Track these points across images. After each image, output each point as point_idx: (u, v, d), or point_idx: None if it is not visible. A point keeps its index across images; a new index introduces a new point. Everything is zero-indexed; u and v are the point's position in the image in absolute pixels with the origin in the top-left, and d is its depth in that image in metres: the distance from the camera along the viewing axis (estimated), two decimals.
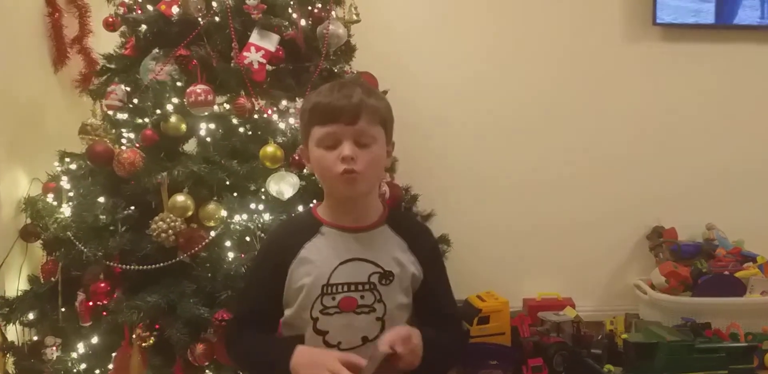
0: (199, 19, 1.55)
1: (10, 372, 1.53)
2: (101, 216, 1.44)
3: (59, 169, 1.63)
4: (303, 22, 1.69)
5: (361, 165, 0.90)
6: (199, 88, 1.46)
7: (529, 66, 2.30)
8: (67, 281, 1.49)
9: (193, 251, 1.41)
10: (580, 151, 2.34)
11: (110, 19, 1.71)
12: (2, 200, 1.62)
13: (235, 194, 1.48)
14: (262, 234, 1.41)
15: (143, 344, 1.38)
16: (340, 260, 0.94)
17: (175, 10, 1.56)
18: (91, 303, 1.45)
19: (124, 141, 1.51)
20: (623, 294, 2.33)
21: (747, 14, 2.26)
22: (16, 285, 1.60)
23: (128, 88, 1.60)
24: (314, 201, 1.53)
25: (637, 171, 2.34)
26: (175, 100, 1.48)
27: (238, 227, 1.43)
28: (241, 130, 1.57)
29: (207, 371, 1.43)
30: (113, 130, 1.54)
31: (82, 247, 1.42)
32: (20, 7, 1.77)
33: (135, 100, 1.56)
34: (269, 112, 1.57)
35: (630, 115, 2.33)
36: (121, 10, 1.68)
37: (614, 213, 2.34)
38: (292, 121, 1.58)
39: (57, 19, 1.86)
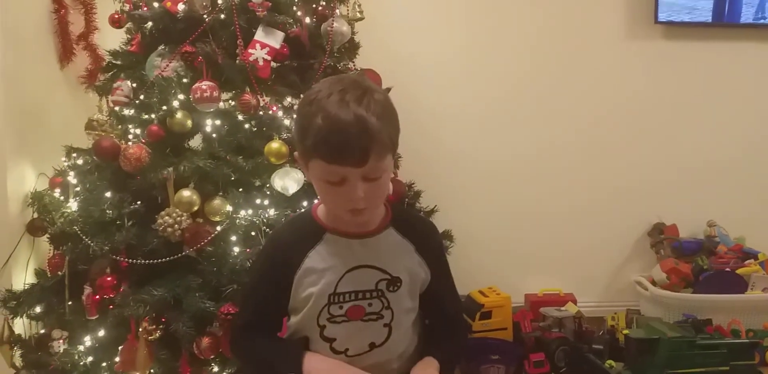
0: (205, 16, 1.56)
1: (18, 364, 1.55)
2: (108, 211, 1.45)
3: (66, 164, 1.64)
4: (307, 20, 1.70)
5: (368, 200, 0.85)
6: (205, 84, 1.47)
7: (531, 63, 2.30)
8: (73, 275, 1.50)
9: (198, 246, 1.43)
10: (582, 149, 2.34)
11: (116, 16, 1.72)
12: (9, 195, 1.63)
13: (240, 189, 1.49)
14: (267, 229, 1.43)
15: (149, 337, 1.39)
16: (346, 268, 0.91)
17: (180, 7, 1.57)
18: (97, 297, 1.47)
19: (130, 136, 1.52)
20: (625, 291, 2.34)
21: (748, 12, 2.26)
22: (23, 278, 1.62)
23: (134, 84, 1.61)
24: (315, 200, 1.54)
25: (638, 168, 2.34)
26: (180, 97, 1.49)
27: (243, 222, 1.44)
28: (247, 126, 1.58)
29: (212, 364, 1.44)
30: (119, 126, 1.55)
31: (89, 242, 1.43)
32: (26, 3, 1.78)
33: (141, 96, 1.57)
34: (274, 108, 1.58)
35: (631, 112, 2.33)
36: (127, 7, 1.69)
37: (616, 210, 2.34)
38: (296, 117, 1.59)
39: (63, 16, 1.87)
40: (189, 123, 1.49)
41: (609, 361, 1.85)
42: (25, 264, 1.65)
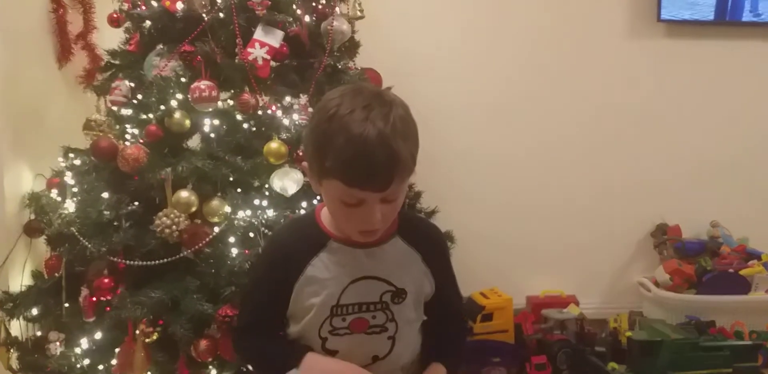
0: (204, 15, 1.55)
1: (14, 367, 1.54)
2: (105, 212, 1.44)
3: (63, 164, 1.63)
4: (307, 19, 1.69)
5: (383, 221, 0.82)
6: (204, 83, 1.46)
7: (534, 62, 2.30)
8: (70, 276, 1.49)
9: (196, 247, 1.41)
10: (584, 149, 2.33)
11: (114, 15, 1.71)
12: (6, 196, 1.62)
13: (239, 190, 1.48)
14: (266, 231, 1.41)
15: (147, 340, 1.38)
16: (350, 279, 0.87)
17: (179, 6, 1.56)
18: (94, 299, 1.45)
19: (128, 136, 1.51)
20: (627, 292, 2.33)
21: (748, 10, 2.25)
22: (20, 280, 1.61)
23: (132, 84, 1.60)
24: (315, 201, 1.53)
25: (641, 168, 2.33)
26: (179, 96, 1.48)
27: (242, 223, 1.43)
28: (245, 126, 1.57)
29: (210, 367, 1.43)
30: (117, 126, 1.54)
31: (86, 243, 1.42)
32: (25, 3, 1.77)
33: (139, 96, 1.56)
34: (273, 108, 1.57)
35: (634, 111, 2.33)
36: (126, 6, 1.68)
37: (618, 210, 2.33)
38: (296, 117, 1.58)
39: (61, 15, 1.86)
40: (187, 123, 1.48)
41: (611, 363, 1.84)
42: (22, 265, 1.63)
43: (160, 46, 1.60)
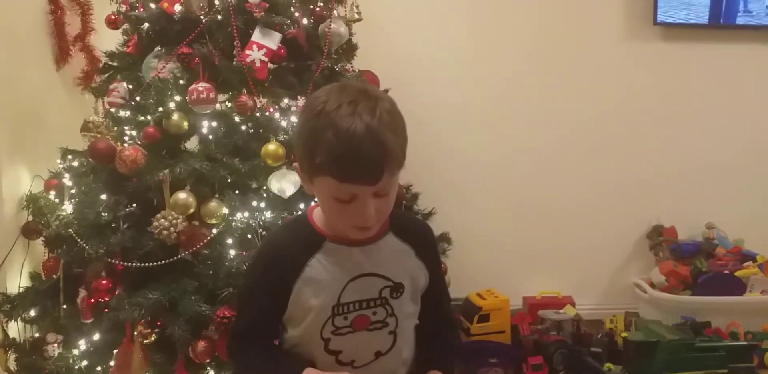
0: (202, 17, 1.55)
1: (12, 368, 1.53)
2: (103, 214, 1.44)
3: (61, 166, 1.63)
4: (305, 21, 1.70)
5: (377, 217, 0.82)
6: (201, 85, 1.46)
7: (530, 65, 2.30)
8: (68, 278, 1.49)
9: (194, 248, 1.41)
10: (580, 151, 2.34)
11: (113, 17, 1.71)
12: (4, 197, 1.62)
13: (236, 192, 1.48)
14: (264, 232, 1.42)
15: (145, 341, 1.38)
16: (349, 277, 0.88)
17: (177, 8, 1.56)
18: (92, 300, 1.45)
19: (126, 138, 1.51)
20: (623, 293, 2.34)
21: (746, 14, 2.27)
22: (18, 282, 1.61)
23: (130, 86, 1.60)
24: (312, 203, 1.53)
25: (637, 170, 2.35)
26: (177, 98, 1.48)
27: (239, 225, 1.43)
28: (243, 127, 1.57)
29: (208, 368, 1.43)
30: (115, 128, 1.54)
31: (84, 244, 1.42)
32: (22, 4, 1.77)
33: (137, 98, 1.56)
34: (271, 110, 1.57)
35: (630, 114, 2.34)
36: (124, 8, 1.68)
37: (614, 212, 2.34)
38: (293, 119, 1.58)
39: (59, 17, 1.86)
40: (185, 125, 1.48)
41: (607, 364, 1.85)
42: (20, 267, 1.63)
43: (158, 47, 1.60)
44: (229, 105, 1.58)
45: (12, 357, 1.54)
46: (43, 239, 1.57)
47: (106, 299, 1.43)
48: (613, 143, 2.34)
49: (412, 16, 2.26)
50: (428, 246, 0.97)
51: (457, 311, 2.04)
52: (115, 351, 1.42)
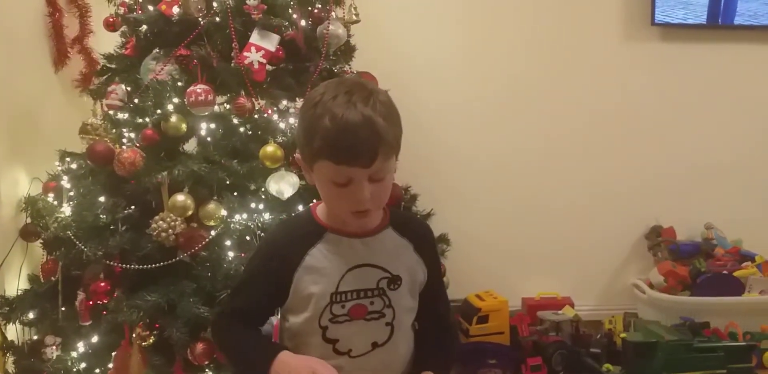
0: (200, 19, 1.56)
1: (10, 371, 1.53)
2: (101, 216, 1.45)
3: (60, 168, 1.63)
4: (303, 23, 1.70)
5: (373, 201, 0.86)
6: (200, 87, 1.47)
7: (528, 65, 2.30)
8: (67, 280, 1.49)
9: (193, 250, 1.42)
10: (578, 152, 2.34)
11: (111, 19, 1.71)
12: (2, 199, 1.62)
13: (235, 194, 1.49)
14: (262, 234, 1.42)
15: (143, 343, 1.38)
16: (348, 266, 0.91)
17: (175, 10, 1.57)
18: (91, 303, 1.46)
19: (124, 140, 1.51)
20: (622, 294, 2.34)
21: (745, 14, 2.27)
22: (17, 284, 1.60)
23: (129, 88, 1.60)
24: (314, 200, 1.54)
25: (635, 171, 2.34)
26: (175, 100, 1.49)
27: (238, 226, 1.43)
28: (242, 129, 1.57)
29: (207, 370, 1.43)
30: (113, 130, 1.54)
31: (83, 247, 1.42)
32: (21, 7, 1.77)
33: (135, 100, 1.56)
34: (269, 111, 1.57)
35: (628, 115, 2.34)
36: (122, 10, 1.68)
37: (613, 212, 2.34)
38: (292, 120, 1.58)
39: (57, 19, 1.86)
40: (183, 127, 1.48)
41: (606, 365, 1.85)
42: (18, 269, 1.63)
43: (157, 50, 1.60)
44: (228, 107, 1.58)
45: (10, 359, 1.54)
46: (41, 241, 1.57)
47: (105, 301, 1.43)
48: (611, 144, 2.34)
49: (410, 17, 2.26)
50: (427, 243, 1.00)
51: (456, 312, 2.04)
52: (113, 354, 1.42)
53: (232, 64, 1.56)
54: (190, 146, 1.59)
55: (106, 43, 1.83)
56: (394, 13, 2.24)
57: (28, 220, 1.61)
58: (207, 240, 1.42)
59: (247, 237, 1.44)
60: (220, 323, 1.01)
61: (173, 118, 1.46)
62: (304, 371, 0.85)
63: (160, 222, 1.40)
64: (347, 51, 1.85)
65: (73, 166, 1.59)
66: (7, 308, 1.52)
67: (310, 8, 1.74)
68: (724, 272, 2.10)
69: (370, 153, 0.81)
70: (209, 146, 1.53)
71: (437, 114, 2.26)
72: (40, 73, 1.85)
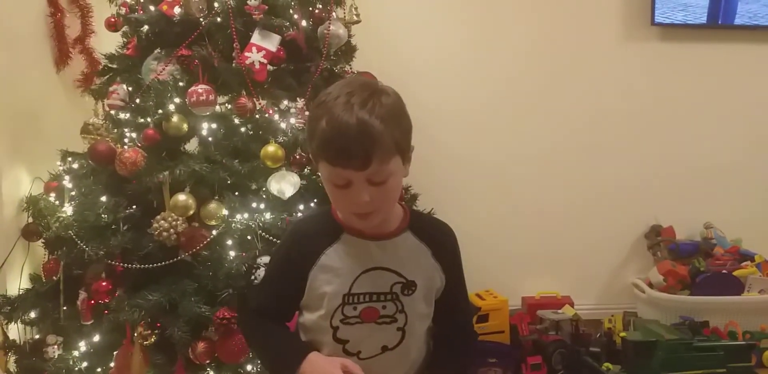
0: (201, 19, 1.56)
1: (12, 370, 1.54)
2: (103, 216, 1.45)
3: (61, 168, 1.63)
4: (304, 23, 1.70)
5: (375, 204, 0.84)
6: (201, 87, 1.47)
7: (528, 65, 2.31)
8: (68, 280, 1.49)
9: (194, 250, 1.42)
10: (578, 151, 2.34)
11: (112, 20, 1.71)
12: (4, 199, 1.62)
13: (236, 193, 1.49)
14: (264, 234, 1.42)
15: (145, 342, 1.38)
16: (362, 269, 0.91)
17: (176, 10, 1.57)
18: (92, 302, 1.46)
19: (125, 140, 1.52)
20: (622, 293, 2.34)
21: (745, 15, 2.28)
22: (18, 283, 1.61)
23: (130, 88, 1.60)
24: (315, 200, 1.54)
25: (635, 170, 2.35)
26: (176, 100, 1.49)
27: (239, 226, 1.43)
28: (243, 129, 1.58)
29: (208, 369, 1.43)
30: (115, 130, 1.55)
31: (84, 246, 1.42)
32: (22, 7, 1.77)
33: (137, 100, 1.56)
34: (270, 111, 1.58)
35: (628, 114, 2.34)
36: (123, 11, 1.68)
37: (613, 212, 2.35)
38: (293, 120, 1.59)
39: (59, 20, 1.86)
40: (185, 127, 1.48)
41: (606, 364, 1.85)
42: (20, 269, 1.64)
43: (158, 50, 1.60)
44: (229, 107, 1.59)
45: (12, 358, 1.54)
46: (43, 241, 1.57)
47: (106, 300, 1.43)
48: (611, 144, 2.34)
49: (411, 17, 2.27)
50: (447, 249, 0.97)
51: None
52: (115, 353, 1.42)
53: (234, 64, 1.56)
54: (192, 146, 1.60)
55: (107, 43, 1.83)
56: (395, 14, 2.24)
57: (30, 220, 1.62)
58: (208, 239, 1.43)
59: (249, 237, 1.44)
60: (247, 319, 1.01)
61: (174, 118, 1.47)
62: (333, 369, 0.86)
63: (162, 221, 1.41)
64: (348, 51, 1.85)
65: (75, 165, 1.60)
66: (9, 307, 1.52)
67: (311, 8, 1.74)
68: (724, 271, 2.11)
69: (363, 156, 0.80)
70: (210, 146, 1.53)
71: (437, 114, 2.26)
72: (42, 73, 1.85)
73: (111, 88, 1.61)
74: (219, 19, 1.57)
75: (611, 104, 2.33)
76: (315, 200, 1.54)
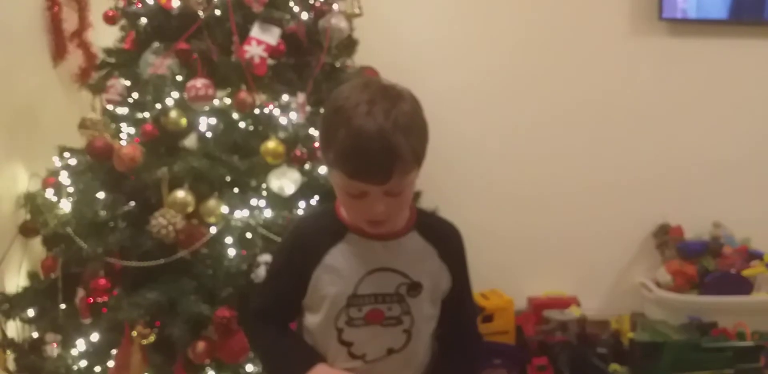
0: (200, 12, 1.54)
1: (11, 368, 1.53)
2: (101, 212, 1.43)
3: (59, 164, 1.61)
4: (305, 16, 1.68)
5: (389, 214, 0.84)
6: (200, 82, 1.45)
7: (534, 60, 2.28)
8: (67, 277, 1.48)
9: (193, 247, 1.40)
10: (585, 148, 2.32)
11: (110, 13, 1.69)
12: (1, 196, 1.61)
13: (235, 190, 1.47)
14: (263, 231, 1.40)
15: (144, 341, 1.37)
16: (367, 270, 0.89)
17: (175, 3, 1.55)
18: (91, 300, 1.44)
19: (123, 136, 1.50)
20: (629, 293, 2.31)
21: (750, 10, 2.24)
22: (16, 281, 1.59)
23: (128, 83, 1.59)
24: (316, 197, 1.52)
25: (642, 168, 2.32)
26: (175, 95, 1.47)
27: (238, 223, 1.42)
28: (242, 124, 1.55)
29: (208, 368, 1.42)
30: (113, 125, 1.53)
31: (82, 243, 1.41)
32: (19, 0, 1.75)
33: (135, 95, 1.54)
34: (270, 106, 1.55)
35: (635, 111, 2.31)
36: (121, 4, 1.66)
37: (620, 210, 2.32)
38: (293, 115, 1.56)
39: (56, 13, 1.84)
40: (183, 122, 1.46)
41: (613, 365, 1.83)
42: (18, 266, 1.62)
43: (156, 43, 1.58)
44: (228, 101, 1.56)
45: (11, 357, 1.53)
46: (41, 238, 1.56)
47: (105, 299, 1.42)
48: (619, 140, 2.31)
49: (413, 10, 2.24)
50: (453, 250, 0.95)
51: None
52: (113, 351, 1.41)
53: (233, 58, 1.54)
54: (190, 142, 1.57)
55: (105, 36, 1.81)
56: (397, 6, 2.21)
57: (28, 217, 1.60)
58: (207, 237, 1.41)
59: (248, 234, 1.43)
60: (251, 323, 0.99)
61: (173, 113, 1.45)
62: None
63: (160, 218, 1.39)
64: (349, 45, 1.83)
65: (73, 161, 1.58)
66: (7, 305, 1.51)
67: (311, 1, 1.71)
68: (733, 271, 2.08)
69: (385, 171, 0.78)
70: (210, 142, 1.51)
71: (441, 108, 2.22)
72: (39, 68, 1.83)
73: (109, 83, 1.59)
74: (218, 12, 1.55)
75: (618, 100, 2.30)
76: (316, 197, 1.51)
